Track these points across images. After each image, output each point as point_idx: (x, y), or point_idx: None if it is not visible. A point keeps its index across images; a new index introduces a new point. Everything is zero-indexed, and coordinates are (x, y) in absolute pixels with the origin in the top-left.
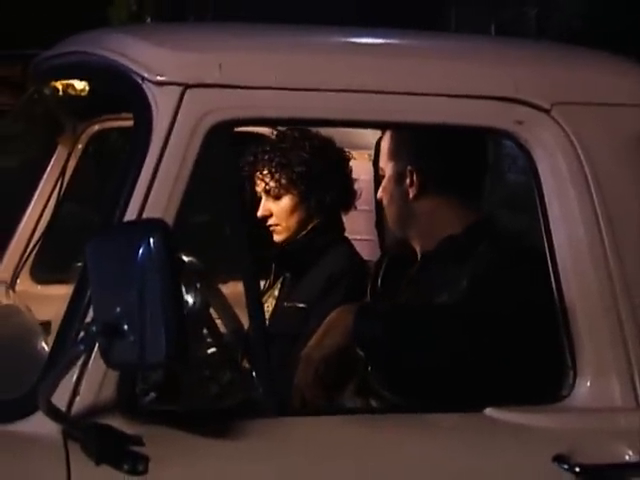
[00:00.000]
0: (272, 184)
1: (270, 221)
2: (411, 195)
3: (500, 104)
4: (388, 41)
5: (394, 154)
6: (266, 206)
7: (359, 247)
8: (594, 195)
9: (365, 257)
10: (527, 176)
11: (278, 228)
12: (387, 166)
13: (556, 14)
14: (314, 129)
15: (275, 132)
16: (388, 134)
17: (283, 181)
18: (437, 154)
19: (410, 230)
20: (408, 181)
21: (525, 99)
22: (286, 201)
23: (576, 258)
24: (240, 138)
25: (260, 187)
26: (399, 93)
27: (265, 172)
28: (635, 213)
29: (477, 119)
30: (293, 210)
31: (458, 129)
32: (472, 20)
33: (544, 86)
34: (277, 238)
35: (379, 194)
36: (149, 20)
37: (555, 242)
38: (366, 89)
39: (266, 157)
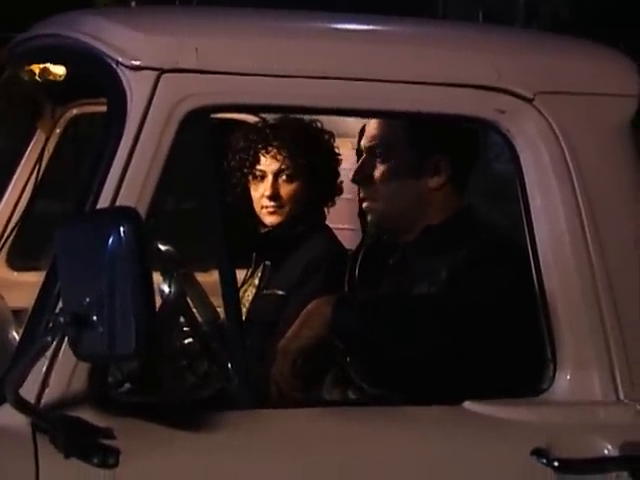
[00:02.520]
0: (289, 164)
1: (274, 202)
2: (434, 184)
3: (482, 93)
4: (369, 27)
5: (416, 141)
6: (275, 186)
7: (341, 236)
8: (577, 186)
9: (347, 246)
10: (509, 166)
11: (280, 210)
12: (398, 152)
13: (545, 2)
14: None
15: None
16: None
17: (300, 163)
18: (462, 143)
19: (411, 219)
20: (433, 170)
21: (508, 88)
22: (298, 184)
23: (557, 250)
24: (217, 124)
25: (271, 167)
26: (379, 80)
27: (283, 152)
28: (618, 205)
29: (459, 108)
30: (300, 195)
31: (439, 118)
32: (460, 7)
33: (527, 75)
34: (273, 220)
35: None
36: (134, 4)
37: (537, 233)
38: (346, 76)
39: (286, 135)
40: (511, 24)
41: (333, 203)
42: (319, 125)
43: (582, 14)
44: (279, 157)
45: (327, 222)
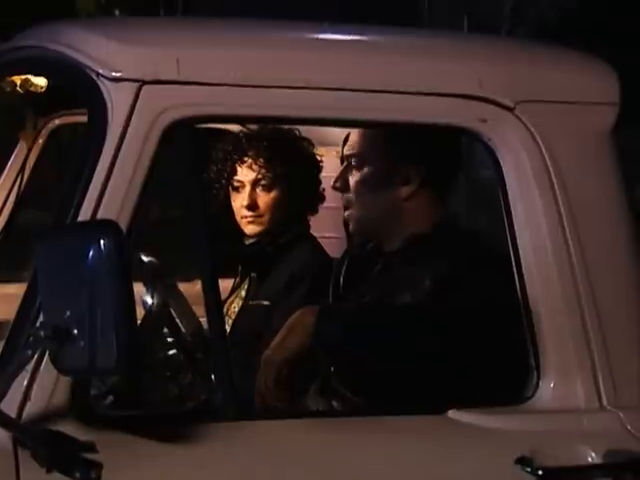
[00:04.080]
0: (266, 174)
1: (253, 212)
2: (404, 194)
3: (464, 102)
4: (351, 37)
5: (388, 150)
6: (252, 196)
7: (326, 245)
8: (558, 195)
9: (332, 255)
10: (491, 175)
11: (259, 219)
12: (373, 160)
13: (532, 8)
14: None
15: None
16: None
17: (278, 172)
18: (434, 154)
19: (384, 227)
20: (402, 179)
21: (489, 97)
22: (276, 193)
23: (540, 259)
24: (198, 135)
25: (248, 177)
26: (361, 90)
27: (260, 161)
28: (600, 213)
29: (441, 117)
30: (279, 204)
31: (421, 127)
32: (446, 13)
33: (508, 84)
34: (253, 230)
35: (337, 184)
36: (117, 13)
37: (519, 242)
38: (327, 86)
39: (263, 145)
40: (497, 30)
41: (316, 211)
42: (297, 133)
43: (568, 19)
44: (255, 167)
45: (312, 231)
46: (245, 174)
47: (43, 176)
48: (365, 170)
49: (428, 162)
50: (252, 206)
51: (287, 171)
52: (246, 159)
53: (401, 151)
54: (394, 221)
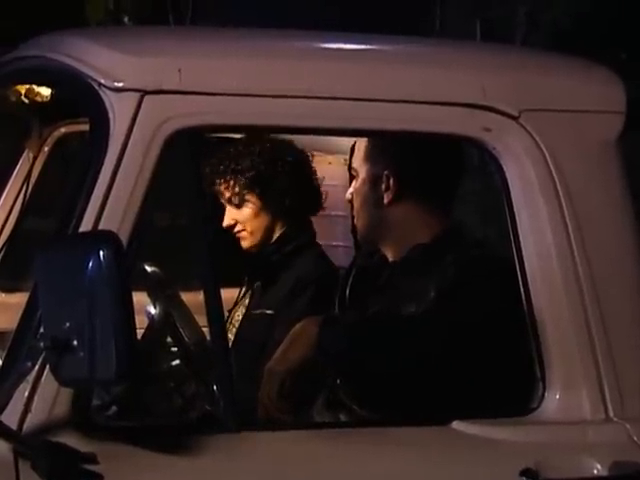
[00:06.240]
0: (229, 193)
1: (236, 229)
2: (386, 200)
3: (468, 111)
4: (354, 46)
5: (371, 157)
6: (230, 215)
7: (335, 253)
8: (563, 203)
9: (341, 264)
10: (496, 184)
11: (244, 234)
12: (362, 168)
13: (546, 13)
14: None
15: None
16: None
17: (237, 189)
18: (415, 160)
19: (381, 236)
20: (384, 186)
21: (493, 106)
22: (247, 208)
23: (545, 268)
24: (200, 145)
25: (223, 198)
26: (365, 99)
27: (223, 182)
28: (605, 221)
29: (445, 126)
30: (255, 216)
31: (426, 136)
32: (459, 18)
33: (513, 93)
34: (244, 244)
35: (348, 195)
36: (126, 19)
37: (524, 251)
38: (330, 95)
39: (221, 167)
40: (511, 35)
41: (314, 211)
42: (258, 147)
43: (583, 25)
44: (222, 186)
45: (321, 239)
46: (221, 196)
47: (49, 184)
48: (359, 178)
49: (404, 169)
50: (231, 225)
51: (250, 182)
52: (216, 182)
53: (381, 157)
54: (386, 229)
